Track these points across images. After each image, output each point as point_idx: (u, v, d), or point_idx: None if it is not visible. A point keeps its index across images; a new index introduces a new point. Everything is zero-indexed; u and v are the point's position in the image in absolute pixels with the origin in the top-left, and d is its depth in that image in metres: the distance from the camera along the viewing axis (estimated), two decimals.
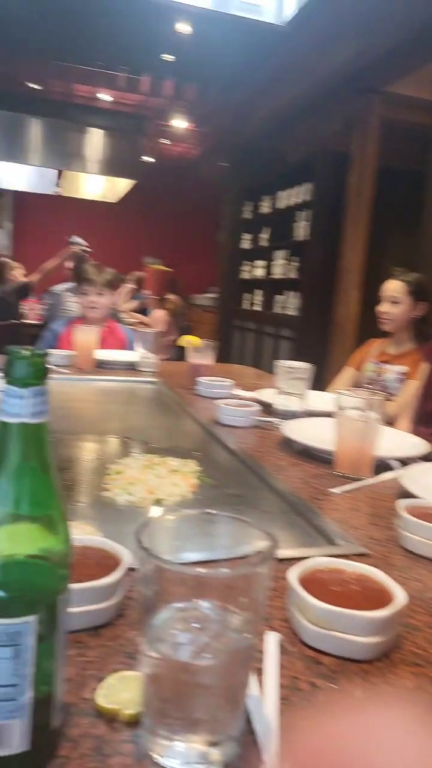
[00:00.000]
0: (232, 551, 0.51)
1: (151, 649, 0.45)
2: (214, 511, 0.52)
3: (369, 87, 4.75)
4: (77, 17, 4.32)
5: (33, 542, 0.44)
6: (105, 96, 5.94)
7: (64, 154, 5.63)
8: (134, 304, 6.72)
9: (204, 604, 0.46)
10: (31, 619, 0.42)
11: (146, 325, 5.64)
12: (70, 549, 0.46)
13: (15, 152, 5.51)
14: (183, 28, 4.41)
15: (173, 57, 4.98)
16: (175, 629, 0.46)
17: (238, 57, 4.85)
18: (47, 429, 0.44)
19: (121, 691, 0.53)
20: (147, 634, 0.45)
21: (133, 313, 6.33)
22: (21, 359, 0.41)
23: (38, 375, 0.42)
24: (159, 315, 5.09)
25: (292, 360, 1.72)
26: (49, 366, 0.43)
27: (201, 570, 0.44)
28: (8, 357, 0.42)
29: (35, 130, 5.45)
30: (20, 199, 9.46)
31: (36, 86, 5.77)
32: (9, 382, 0.42)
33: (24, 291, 5.16)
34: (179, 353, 3.50)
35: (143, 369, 2.37)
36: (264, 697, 0.55)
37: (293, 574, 0.69)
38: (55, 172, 6.84)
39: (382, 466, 1.31)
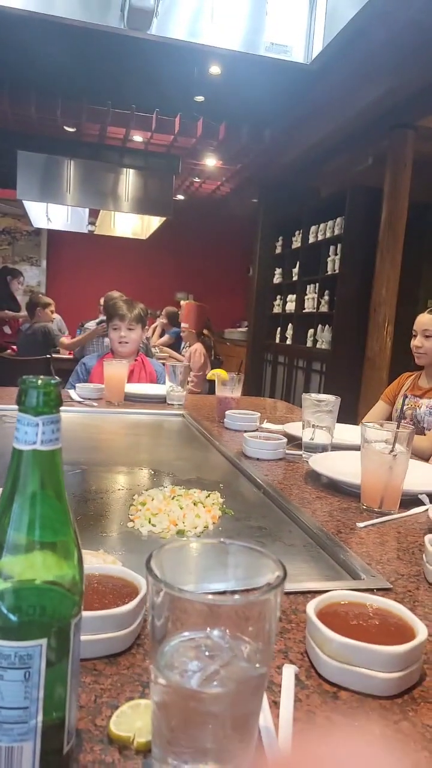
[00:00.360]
0: (244, 580, 0.51)
1: (161, 676, 0.45)
2: (226, 541, 0.53)
3: (402, 122, 4.81)
4: (109, 63, 4.51)
5: (44, 568, 0.45)
6: (137, 137, 6.15)
7: (98, 194, 5.80)
8: (166, 338, 6.82)
9: (214, 633, 0.46)
10: (42, 642, 0.43)
11: (177, 359, 5.71)
12: (82, 575, 0.47)
13: (52, 193, 5.71)
14: (213, 69, 4.57)
15: (203, 98, 5.14)
16: (184, 657, 0.46)
17: (267, 96, 4.98)
18: (59, 456, 0.45)
19: (134, 719, 0.53)
20: (156, 661, 0.46)
21: (165, 348, 6.41)
22: (33, 388, 0.43)
23: (50, 403, 0.44)
24: (197, 348, 5.14)
25: (323, 393, 1.72)
26: (61, 395, 0.45)
27: (210, 597, 0.45)
28: (21, 386, 0.44)
29: (70, 171, 5.65)
30: (54, 238, 9.79)
31: (70, 129, 6.01)
32: (21, 411, 0.43)
33: (47, 338, 5.18)
34: (212, 387, 3.53)
35: (172, 402, 2.39)
36: (278, 729, 0.54)
37: (311, 607, 0.68)
38: (88, 210, 7.05)
39: (411, 500, 1.29)
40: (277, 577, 0.47)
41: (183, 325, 5.39)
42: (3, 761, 0.43)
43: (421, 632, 0.65)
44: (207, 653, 0.46)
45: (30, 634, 0.43)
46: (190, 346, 5.40)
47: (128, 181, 5.87)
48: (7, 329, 6.90)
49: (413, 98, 4.56)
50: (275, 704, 0.59)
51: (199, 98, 5.19)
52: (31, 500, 0.44)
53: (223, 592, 0.50)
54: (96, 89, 5.26)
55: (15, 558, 0.44)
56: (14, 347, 5.74)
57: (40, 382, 0.44)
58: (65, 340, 5.27)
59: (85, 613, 0.61)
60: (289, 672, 0.63)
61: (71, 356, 5.44)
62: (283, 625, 0.75)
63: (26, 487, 0.44)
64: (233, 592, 0.49)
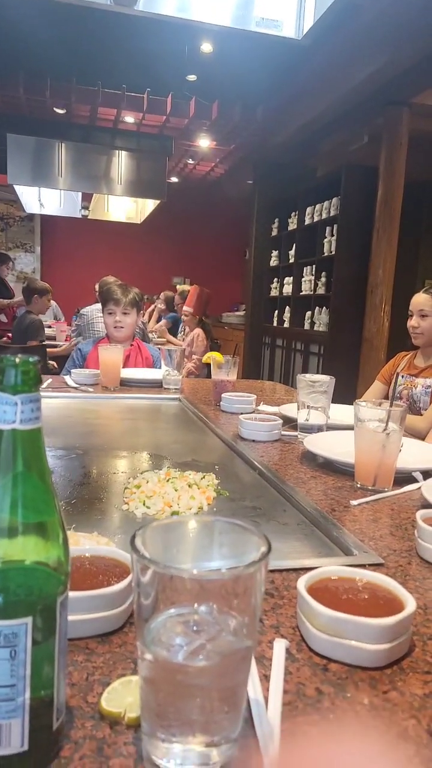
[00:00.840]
0: (230, 556, 0.52)
1: (147, 651, 0.46)
2: (212, 517, 0.53)
3: (396, 99, 4.76)
4: (98, 42, 4.44)
5: (28, 547, 0.45)
6: (129, 118, 6.08)
7: (90, 178, 5.73)
8: (163, 323, 6.79)
9: (201, 608, 0.47)
10: (27, 621, 0.43)
11: (175, 344, 5.69)
12: (68, 554, 0.48)
13: (43, 177, 5.64)
14: (204, 47, 4.50)
15: (195, 76, 5.08)
16: (170, 632, 0.46)
17: (259, 74, 4.91)
18: (40, 435, 0.45)
19: (124, 695, 0.54)
20: (143, 637, 0.46)
21: (167, 334, 6.38)
22: (11, 366, 0.43)
23: (29, 382, 0.44)
24: (199, 333, 5.13)
25: (321, 375, 1.72)
26: (39, 373, 0.45)
27: (196, 573, 0.45)
28: None
29: (62, 154, 5.59)
30: (47, 223, 9.72)
31: (60, 111, 5.95)
32: (0, 389, 0.43)
33: (29, 331, 5.17)
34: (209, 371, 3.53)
35: (168, 386, 2.39)
36: (268, 701, 0.55)
37: (302, 583, 0.69)
38: (81, 195, 6.98)
39: (405, 477, 1.29)
40: (262, 552, 0.47)
41: (186, 308, 5.33)
42: None
43: (410, 604, 0.65)
44: (194, 628, 0.47)
45: (15, 613, 0.43)
46: (190, 331, 5.37)
47: (121, 163, 5.80)
48: (2, 317, 6.88)
49: (407, 75, 4.51)
50: (266, 678, 0.59)
51: (191, 77, 5.12)
52: (12, 480, 0.44)
53: (210, 565, 0.51)
54: (85, 69, 5.19)
55: None
56: (10, 335, 5.73)
57: (17, 360, 0.44)
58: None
59: (76, 593, 0.62)
60: (279, 646, 0.64)
61: (67, 342, 5.44)
62: (275, 601, 0.75)
63: (7, 467, 0.44)
64: (219, 564, 0.50)
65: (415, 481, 1.29)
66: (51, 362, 4.98)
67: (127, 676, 0.58)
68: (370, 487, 1.24)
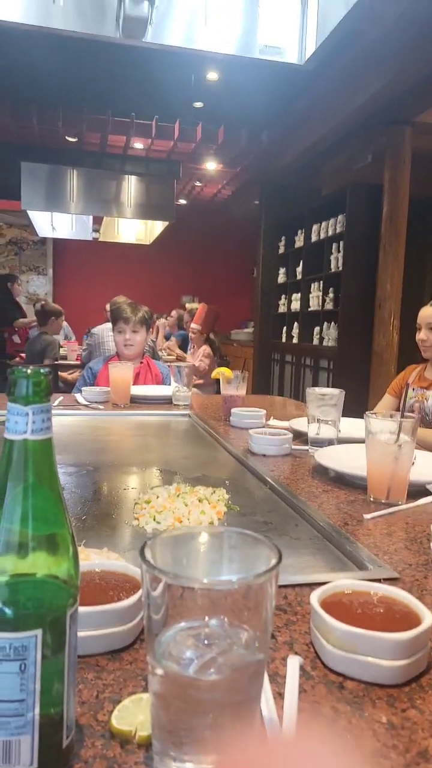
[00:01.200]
0: (239, 570, 0.51)
1: (158, 666, 0.45)
2: (221, 528, 0.52)
3: (399, 118, 4.80)
4: (108, 73, 4.53)
5: (39, 559, 0.44)
6: (138, 144, 6.17)
7: (101, 202, 5.83)
8: (173, 341, 6.81)
9: (210, 621, 0.46)
10: (37, 633, 0.43)
11: (184, 359, 5.70)
12: (77, 565, 0.47)
13: (56, 202, 5.75)
14: (210, 75, 4.58)
15: (201, 103, 5.15)
16: (181, 645, 0.45)
17: (264, 99, 4.98)
18: (51, 446, 0.45)
19: (135, 714, 0.53)
20: (154, 651, 0.45)
21: (176, 349, 6.39)
22: (22, 377, 0.43)
23: (40, 393, 0.44)
24: (206, 351, 5.14)
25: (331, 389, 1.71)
26: (50, 384, 0.45)
27: (206, 582, 0.44)
28: (10, 376, 0.44)
29: (73, 180, 5.69)
30: (59, 246, 9.85)
31: (72, 139, 6.05)
32: (11, 400, 0.43)
33: (44, 353, 5.22)
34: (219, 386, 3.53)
35: (178, 403, 2.39)
36: (282, 720, 0.54)
37: (315, 597, 0.68)
38: (92, 218, 7.08)
39: (419, 490, 1.28)
40: (272, 562, 0.46)
41: (194, 326, 5.35)
42: (1, 755, 0.43)
43: (427, 619, 0.64)
44: (205, 641, 0.46)
45: (25, 625, 0.43)
46: (197, 348, 5.37)
47: (130, 187, 5.90)
48: (16, 338, 6.94)
49: (409, 94, 4.55)
50: (280, 696, 0.58)
51: (198, 104, 5.20)
52: (23, 491, 0.44)
53: (220, 578, 0.50)
54: (96, 99, 5.29)
55: (7, 550, 0.43)
56: (23, 355, 5.77)
57: (29, 371, 0.44)
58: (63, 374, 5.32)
59: (86, 608, 0.61)
60: (293, 663, 0.63)
61: (78, 362, 5.47)
62: (288, 617, 0.74)
63: (18, 477, 0.44)
64: (229, 576, 0.49)
65: (430, 494, 1.27)
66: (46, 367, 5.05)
67: (138, 693, 0.57)
68: (383, 501, 1.22)
